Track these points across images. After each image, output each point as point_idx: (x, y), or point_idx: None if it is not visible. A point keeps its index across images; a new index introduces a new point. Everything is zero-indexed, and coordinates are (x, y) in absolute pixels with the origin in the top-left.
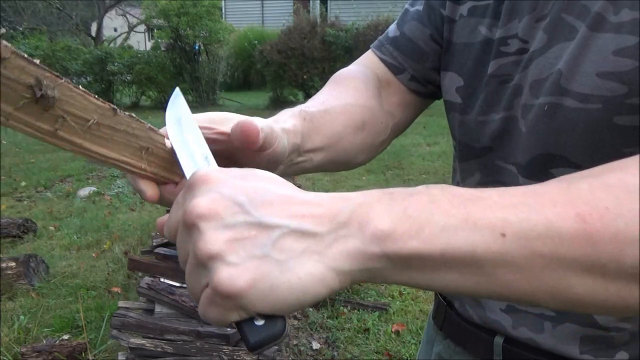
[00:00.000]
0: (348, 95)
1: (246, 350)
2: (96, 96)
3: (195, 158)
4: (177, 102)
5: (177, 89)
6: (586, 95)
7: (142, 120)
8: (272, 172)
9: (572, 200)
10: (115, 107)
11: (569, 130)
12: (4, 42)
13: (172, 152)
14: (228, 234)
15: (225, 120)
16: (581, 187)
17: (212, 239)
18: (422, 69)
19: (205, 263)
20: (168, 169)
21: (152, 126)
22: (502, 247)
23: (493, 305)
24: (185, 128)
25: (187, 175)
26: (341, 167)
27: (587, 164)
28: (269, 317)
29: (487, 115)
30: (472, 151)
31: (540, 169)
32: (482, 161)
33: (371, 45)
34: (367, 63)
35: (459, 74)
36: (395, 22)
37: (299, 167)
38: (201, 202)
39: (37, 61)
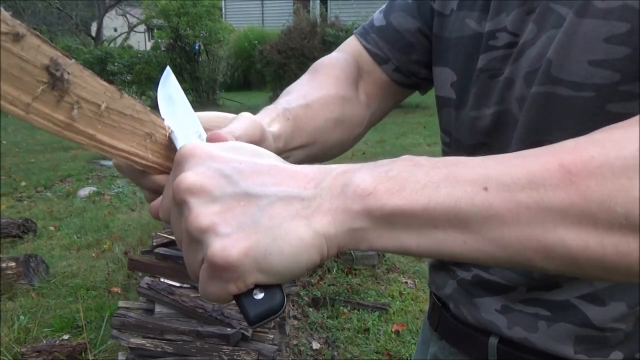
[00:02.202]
0: (328, 85)
1: (246, 350)
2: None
3: (189, 136)
4: (169, 80)
5: (168, 68)
6: (579, 83)
7: (143, 102)
8: None
9: (555, 152)
10: (119, 87)
11: (562, 119)
12: (16, 20)
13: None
14: (217, 207)
15: (221, 121)
16: (565, 143)
17: (202, 213)
18: (407, 61)
19: (198, 238)
20: (170, 158)
21: (152, 110)
22: (485, 200)
23: (487, 305)
24: (177, 106)
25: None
26: (315, 161)
27: None
28: (267, 290)
29: (478, 111)
30: (466, 148)
31: None
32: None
33: (355, 32)
34: (350, 50)
35: (452, 69)
36: (381, 9)
37: None
38: (188, 177)
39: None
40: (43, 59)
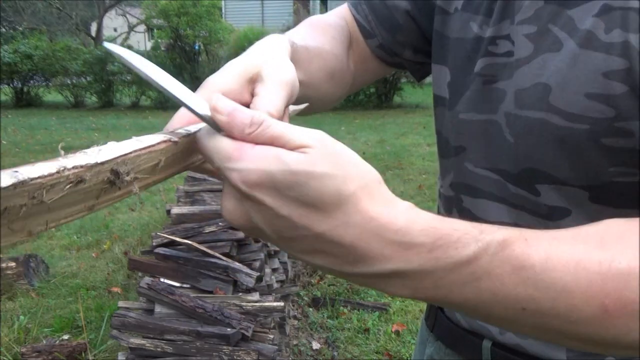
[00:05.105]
0: (325, 41)
1: (246, 350)
2: (160, 140)
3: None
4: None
5: (108, 45)
6: (574, 114)
7: (187, 130)
8: None
9: (605, 286)
10: (175, 138)
11: (555, 148)
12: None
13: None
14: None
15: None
16: (621, 268)
17: (235, 215)
18: (392, 40)
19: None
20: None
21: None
22: (518, 317)
23: None
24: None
25: (200, 110)
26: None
27: (572, 182)
28: None
29: (468, 114)
30: (450, 149)
31: (527, 182)
32: (455, 160)
33: (347, 1)
34: (343, 17)
35: (449, 69)
36: None
37: None
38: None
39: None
40: (104, 176)
